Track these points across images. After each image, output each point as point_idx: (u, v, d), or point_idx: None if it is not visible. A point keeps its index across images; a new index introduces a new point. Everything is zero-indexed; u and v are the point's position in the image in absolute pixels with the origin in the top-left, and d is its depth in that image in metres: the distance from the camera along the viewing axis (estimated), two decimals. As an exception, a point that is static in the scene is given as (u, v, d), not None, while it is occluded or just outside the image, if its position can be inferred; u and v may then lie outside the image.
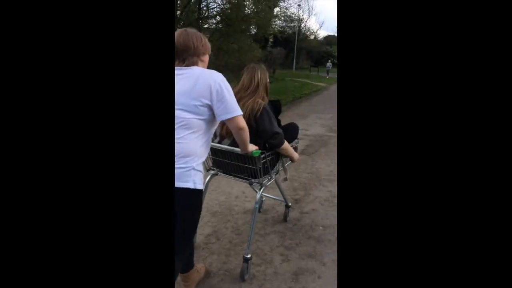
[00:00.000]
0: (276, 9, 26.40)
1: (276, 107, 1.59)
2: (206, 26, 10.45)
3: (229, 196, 2.39)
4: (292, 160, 1.65)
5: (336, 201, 2.32)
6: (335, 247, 1.73)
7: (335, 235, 1.86)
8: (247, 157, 1.39)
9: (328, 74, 18.04)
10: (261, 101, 1.43)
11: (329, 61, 20.44)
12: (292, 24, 26.31)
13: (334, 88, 12.76)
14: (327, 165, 3.20)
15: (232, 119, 1.07)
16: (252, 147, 1.30)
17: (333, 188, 2.60)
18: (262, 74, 1.49)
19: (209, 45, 1.17)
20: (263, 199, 2.17)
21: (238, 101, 1.27)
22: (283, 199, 1.99)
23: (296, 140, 1.75)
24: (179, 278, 1.31)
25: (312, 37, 30.64)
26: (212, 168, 1.62)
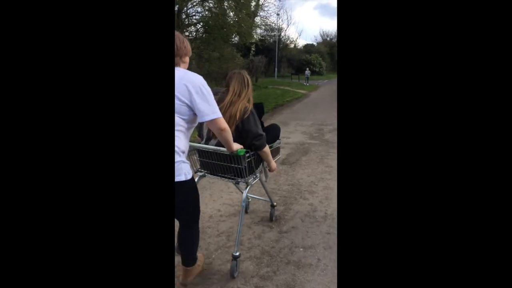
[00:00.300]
0: (257, 19, 26.85)
1: (259, 109, 1.64)
2: (186, 33, 10.24)
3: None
4: (269, 168, 1.68)
5: (317, 216, 2.16)
6: (317, 273, 1.54)
7: (317, 256, 1.67)
8: (233, 157, 1.43)
9: (307, 81, 17.96)
10: (248, 104, 1.50)
11: (307, 69, 20.36)
12: (273, 33, 26.70)
13: (314, 95, 12.84)
14: (308, 175, 3.03)
15: (212, 121, 1.14)
16: (237, 146, 1.35)
17: (314, 200, 2.43)
18: (248, 79, 1.56)
19: (189, 47, 1.22)
20: (249, 200, 2.19)
21: (230, 105, 1.45)
22: (268, 199, 2.02)
23: (278, 140, 1.81)
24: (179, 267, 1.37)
25: (292, 45, 31.18)
26: (199, 170, 1.65)
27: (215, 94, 1.31)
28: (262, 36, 27.57)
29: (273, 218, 2.04)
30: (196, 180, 1.56)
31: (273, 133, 1.75)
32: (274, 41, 25.29)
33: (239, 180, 1.52)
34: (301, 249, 1.75)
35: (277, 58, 22.37)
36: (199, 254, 1.48)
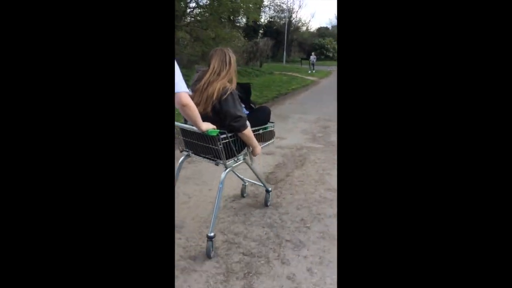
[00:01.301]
0: (266, -1, 25.11)
1: (246, 90, 1.61)
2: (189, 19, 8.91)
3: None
4: (253, 152, 1.61)
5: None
6: None
7: None
8: (209, 137, 1.39)
9: (313, 68, 15.37)
10: (229, 84, 1.44)
11: (313, 53, 17.33)
12: (283, 15, 24.95)
13: (324, 82, 11.50)
14: (298, 205, 2.00)
15: (176, 94, 1.15)
16: (207, 126, 1.34)
17: (298, 269, 1.38)
18: (231, 57, 1.49)
19: None
20: (246, 183, 2.09)
21: (208, 84, 1.43)
22: (261, 184, 1.91)
23: (271, 123, 1.76)
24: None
25: (304, 28, 29.27)
26: (184, 149, 1.63)
27: (196, 72, 1.52)
28: (271, 18, 25.93)
29: (268, 204, 1.96)
30: (181, 159, 1.63)
31: (261, 116, 1.68)
32: (284, 24, 23.64)
33: (218, 161, 1.48)
34: None
35: (286, 41, 20.81)
36: None
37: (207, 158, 1.53)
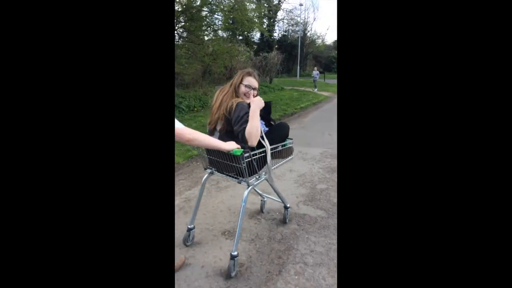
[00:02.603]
0: (280, 13, 24.52)
1: (266, 107, 1.56)
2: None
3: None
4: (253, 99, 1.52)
5: None
6: None
7: None
8: (233, 156, 1.40)
9: (315, 86, 12.61)
10: (237, 99, 1.48)
11: (315, 68, 13.82)
12: (297, 28, 24.11)
13: (341, 98, 10.22)
14: None
15: (175, 132, 1.15)
16: (231, 146, 1.36)
17: None
18: (235, 78, 1.56)
19: None
20: (265, 199, 2.12)
21: (222, 101, 1.51)
22: (280, 201, 1.93)
23: (290, 140, 1.72)
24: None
25: (319, 41, 28.20)
26: (208, 167, 1.64)
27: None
28: (285, 31, 25.18)
29: (287, 221, 1.95)
30: (205, 177, 1.68)
31: (280, 133, 1.65)
32: (299, 37, 22.76)
33: (240, 179, 1.48)
34: None
35: (299, 55, 19.75)
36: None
37: (230, 176, 1.52)
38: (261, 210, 2.10)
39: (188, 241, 1.69)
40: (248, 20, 7.31)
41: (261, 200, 2.11)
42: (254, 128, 1.38)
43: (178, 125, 1.12)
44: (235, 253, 1.42)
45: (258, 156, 1.47)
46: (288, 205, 1.93)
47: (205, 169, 1.63)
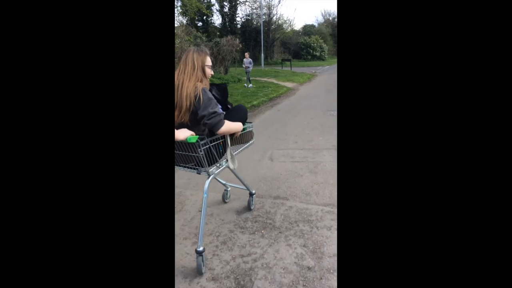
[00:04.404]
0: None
1: (222, 91, 1.53)
2: None
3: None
4: (235, 134, 1.50)
5: None
6: None
7: None
8: (189, 145, 1.32)
9: (248, 82, 8.74)
10: (200, 84, 1.34)
11: (246, 54, 9.15)
12: (263, 12, 22.11)
13: (303, 90, 8.45)
14: None
15: None
16: (184, 133, 1.27)
17: None
18: (196, 56, 1.39)
19: None
20: (229, 189, 2.02)
21: (181, 85, 1.34)
22: (245, 188, 1.86)
23: (249, 124, 1.66)
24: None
25: (287, 26, 26.38)
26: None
27: None
28: (247, 15, 23.10)
29: (252, 207, 1.89)
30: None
31: (239, 115, 1.52)
32: (265, 21, 20.86)
33: (200, 169, 1.40)
34: None
35: (263, 41, 17.84)
36: None
37: (187, 167, 1.43)
38: (224, 200, 2.00)
39: None
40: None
41: (225, 190, 2.01)
42: (234, 129, 1.40)
43: None
44: (201, 248, 1.31)
45: (216, 142, 1.39)
46: (253, 191, 1.88)
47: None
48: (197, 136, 1.25)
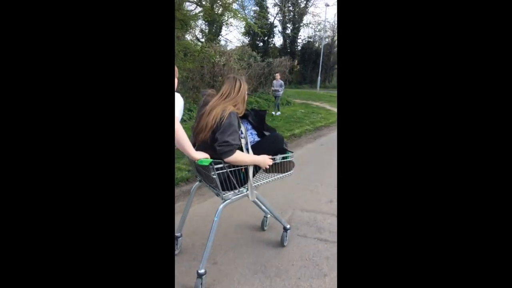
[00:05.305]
0: (306, 17, 22.22)
1: (260, 117, 1.52)
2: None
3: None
4: (260, 165, 1.42)
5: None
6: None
7: None
8: (207, 166, 1.32)
9: (277, 108, 7.66)
10: (231, 108, 1.33)
11: (276, 76, 7.94)
12: (325, 35, 21.57)
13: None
14: None
15: None
16: (200, 155, 1.28)
17: None
18: (242, 84, 1.43)
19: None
20: (268, 215, 1.93)
21: (212, 108, 1.34)
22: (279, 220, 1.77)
23: (290, 153, 1.57)
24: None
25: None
26: (198, 176, 1.58)
27: (202, 96, 1.48)
28: (309, 37, 22.74)
29: (284, 243, 1.77)
30: (194, 186, 1.62)
31: (269, 146, 1.46)
32: (326, 44, 20.25)
33: (217, 192, 1.38)
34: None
35: (321, 63, 17.14)
36: None
37: (211, 187, 1.45)
38: (262, 228, 1.95)
39: (176, 248, 1.63)
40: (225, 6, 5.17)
41: (264, 217, 1.96)
42: (243, 161, 1.34)
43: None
44: (202, 271, 1.34)
45: (236, 168, 1.35)
46: (287, 226, 1.78)
47: (196, 177, 1.58)
48: (210, 160, 1.25)
